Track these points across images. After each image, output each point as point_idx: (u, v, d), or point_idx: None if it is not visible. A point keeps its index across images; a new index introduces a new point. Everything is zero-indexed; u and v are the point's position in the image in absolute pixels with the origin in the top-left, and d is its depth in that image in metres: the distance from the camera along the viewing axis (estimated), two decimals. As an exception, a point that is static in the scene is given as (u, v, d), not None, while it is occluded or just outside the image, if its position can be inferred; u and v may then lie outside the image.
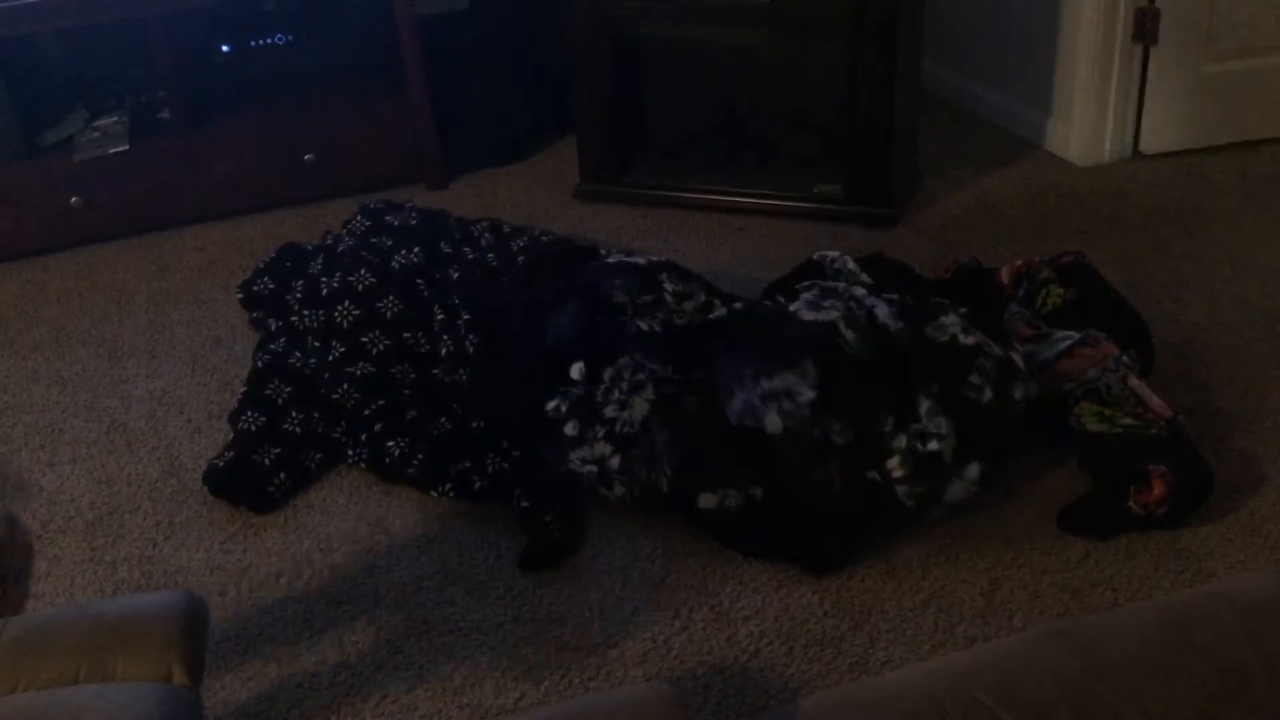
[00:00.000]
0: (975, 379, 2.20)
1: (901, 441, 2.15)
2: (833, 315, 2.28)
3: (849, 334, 2.26)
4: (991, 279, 2.69)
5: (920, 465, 2.14)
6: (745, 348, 2.28)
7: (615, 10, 3.31)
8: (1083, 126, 3.50)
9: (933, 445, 2.13)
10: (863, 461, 2.17)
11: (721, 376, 2.28)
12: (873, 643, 1.98)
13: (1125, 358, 2.37)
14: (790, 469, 2.20)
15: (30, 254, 3.47)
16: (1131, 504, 2.11)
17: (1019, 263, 2.65)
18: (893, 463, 2.15)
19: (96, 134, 3.50)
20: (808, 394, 2.19)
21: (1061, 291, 2.52)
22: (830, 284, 2.42)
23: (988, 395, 2.20)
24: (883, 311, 2.29)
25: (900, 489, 2.14)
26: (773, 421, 2.20)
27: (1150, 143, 3.52)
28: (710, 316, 2.43)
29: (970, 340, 2.25)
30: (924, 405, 2.17)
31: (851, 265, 2.71)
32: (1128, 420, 2.24)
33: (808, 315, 2.29)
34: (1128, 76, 3.43)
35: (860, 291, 2.39)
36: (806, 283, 2.52)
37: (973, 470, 2.17)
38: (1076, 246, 3.02)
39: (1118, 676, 1.06)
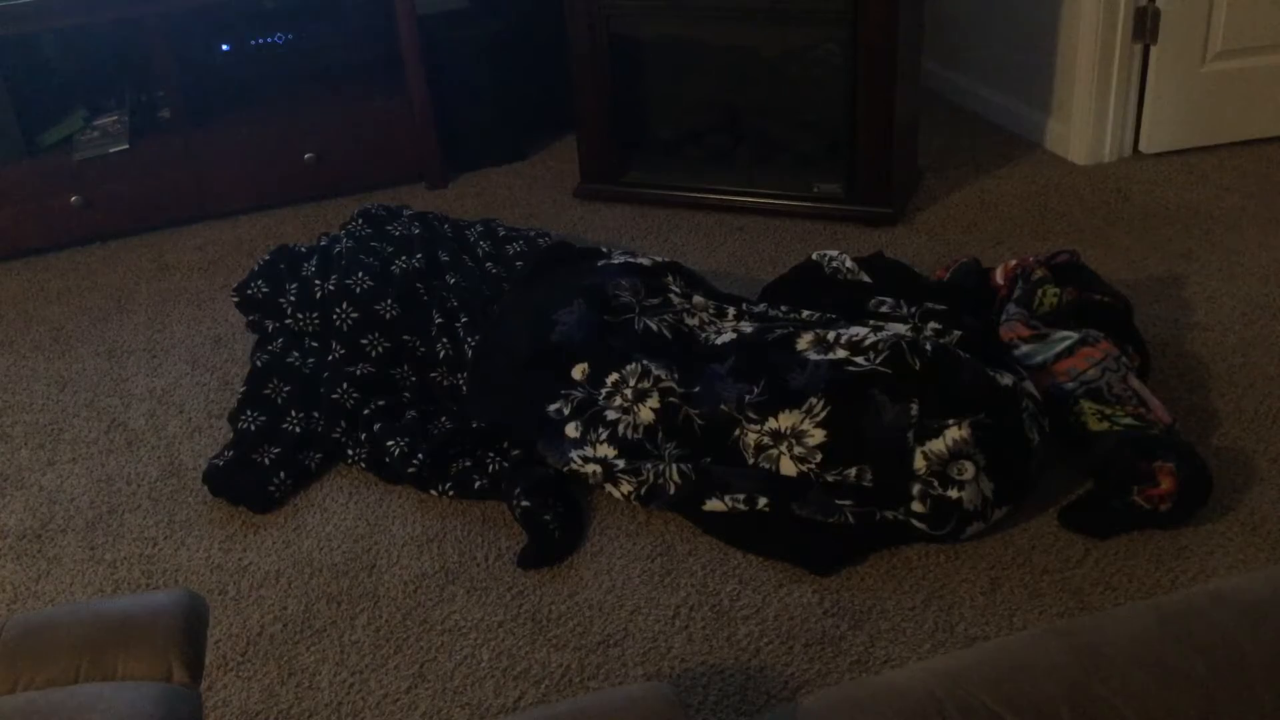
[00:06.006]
0: (1025, 422, 2.19)
1: (925, 487, 2.13)
2: (842, 354, 2.26)
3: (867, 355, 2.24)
4: (986, 279, 2.69)
5: (942, 510, 2.13)
6: (751, 380, 2.28)
7: (615, 10, 3.31)
8: (1083, 126, 3.50)
9: (952, 492, 2.12)
10: (881, 502, 2.16)
11: (725, 403, 2.28)
12: (873, 642, 1.98)
13: (1125, 357, 2.37)
14: (804, 506, 2.20)
15: (30, 253, 3.48)
16: (1137, 498, 2.11)
17: (1013, 262, 2.65)
18: (915, 506, 2.14)
19: (96, 133, 3.50)
20: (818, 435, 2.18)
21: (1058, 291, 2.52)
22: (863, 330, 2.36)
23: (1035, 438, 2.20)
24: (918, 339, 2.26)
25: (920, 527, 2.14)
26: (787, 466, 2.20)
27: (1150, 142, 3.52)
28: (718, 341, 2.41)
29: (1008, 380, 2.22)
30: (949, 439, 2.13)
31: (850, 264, 2.71)
32: (1128, 420, 2.24)
33: (815, 355, 2.27)
34: (1128, 76, 3.43)
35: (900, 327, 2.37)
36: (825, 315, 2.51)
37: (1001, 512, 2.17)
38: (1076, 246, 3.03)
39: (1118, 676, 1.06)
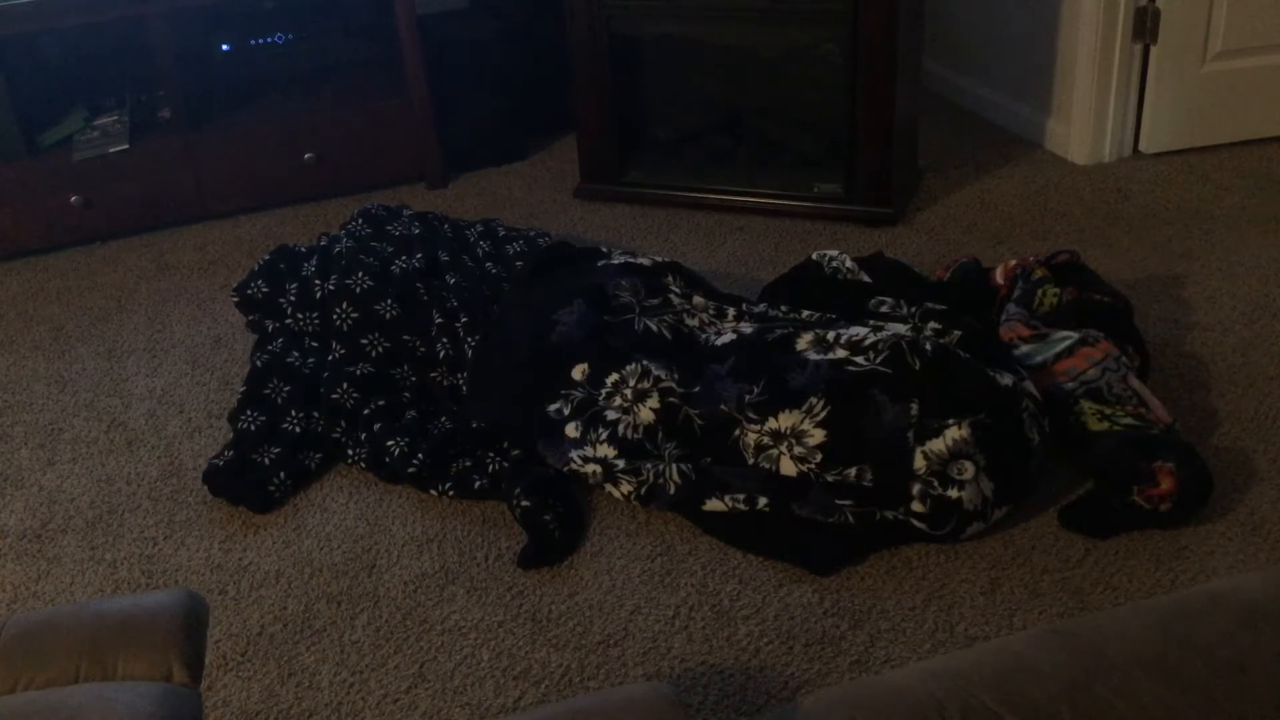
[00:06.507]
0: (1026, 422, 2.19)
1: (925, 487, 2.13)
2: (841, 354, 2.26)
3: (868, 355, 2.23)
4: (986, 279, 2.69)
5: (942, 510, 2.13)
6: (751, 380, 2.27)
7: (615, 10, 3.31)
8: (1083, 126, 3.50)
9: (952, 492, 2.12)
10: (881, 502, 2.16)
11: (725, 403, 2.27)
12: (873, 642, 1.98)
13: (1125, 357, 2.37)
14: (804, 506, 2.20)
15: (30, 253, 3.48)
16: (1136, 498, 2.11)
17: (1013, 262, 2.65)
18: (915, 505, 2.13)
19: (96, 133, 3.50)
20: (818, 435, 2.18)
21: (1058, 291, 2.52)
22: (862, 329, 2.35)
23: (1035, 438, 2.20)
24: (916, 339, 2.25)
25: (920, 526, 2.14)
26: (787, 466, 2.20)
27: (1150, 142, 3.52)
28: (718, 342, 2.41)
29: (1008, 380, 2.22)
30: (950, 438, 2.13)
31: (850, 264, 2.71)
32: (1128, 420, 2.24)
33: (815, 355, 2.27)
34: (1128, 76, 3.43)
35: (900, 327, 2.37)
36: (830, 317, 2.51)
37: (1001, 512, 2.17)
38: (1076, 246, 3.03)
39: (1118, 676, 1.06)
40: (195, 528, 2.36)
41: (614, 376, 2.39)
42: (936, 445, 2.12)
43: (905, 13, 3.10)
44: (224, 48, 3.78)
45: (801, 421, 2.19)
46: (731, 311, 2.60)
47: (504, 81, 3.74)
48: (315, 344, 2.75)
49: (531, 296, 2.65)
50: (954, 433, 2.12)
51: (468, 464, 2.39)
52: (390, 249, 2.90)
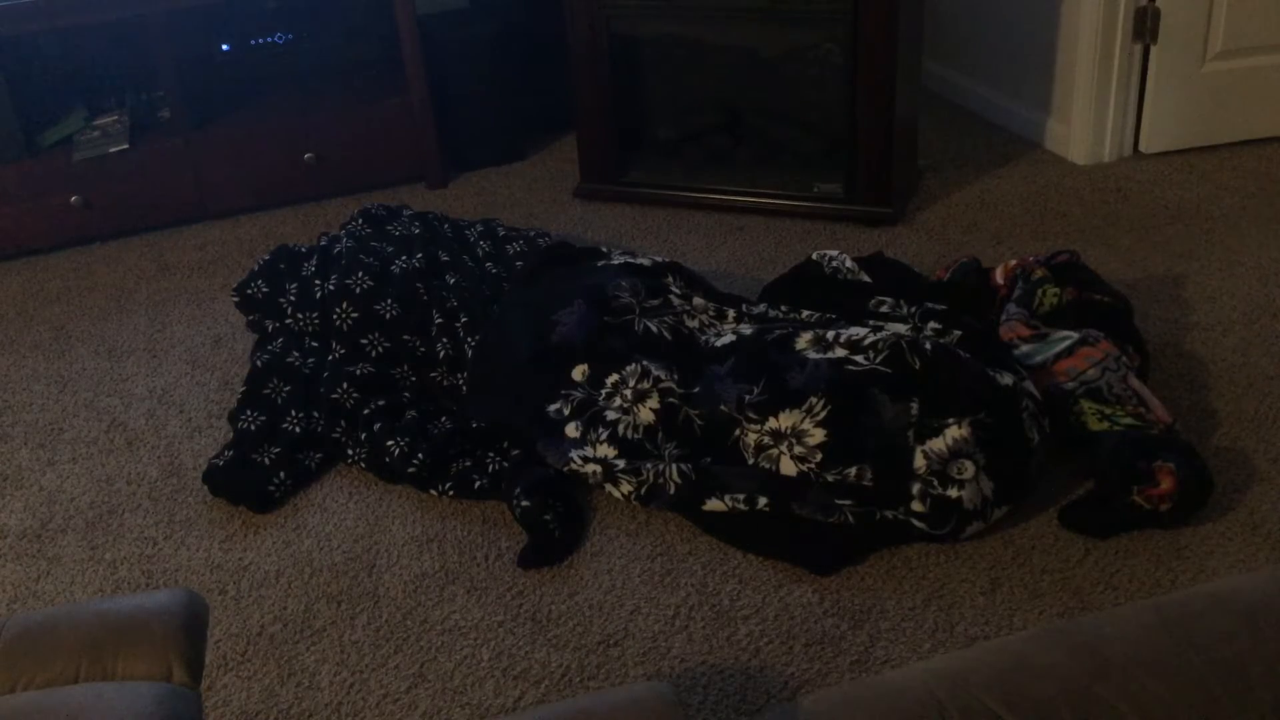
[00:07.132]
0: (1026, 422, 2.19)
1: (924, 486, 2.12)
2: (841, 353, 2.26)
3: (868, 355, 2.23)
4: (986, 279, 2.69)
5: (942, 509, 2.13)
6: (750, 380, 2.27)
7: (615, 10, 3.31)
8: (1083, 126, 3.50)
9: (952, 492, 2.12)
10: (881, 502, 2.16)
11: (725, 403, 2.27)
12: (873, 641, 1.98)
13: (1125, 357, 2.37)
14: (804, 506, 2.20)
15: (30, 253, 3.48)
16: (1136, 498, 2.11)
17: (1013, 262, 2.65)
18: (915, 505, 2.13)
19: (96, 133, 3.50)
20: (818, 435, 2.18)
21: (1058, 291, 2.52)
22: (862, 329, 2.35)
23: (1035, 438, 2.20)
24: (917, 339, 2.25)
25: (920, 526, 2.14)
26: (787, 465, 2.20)
27: (1150, 142, 3.52)
28: (718, 343, 2.41)
29: (1008, 380, 2.22)
30: (950, 438, 2.13)
31: (850, 264, 2.72)
32: (1128, 420, 2.24)
33: (814, 354, 2.27)
34: (1128, 76, 3.43)
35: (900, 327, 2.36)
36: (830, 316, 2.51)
37: (1001, 512, 2.17)
38: (1076, 246, 3.03)
39: (1118, 676, 1.06)
40: (195, 528, 2.36)
41: (614, 377, 2.39)
42: (936, 445, 2.12)
43: (905, 13, 3.10)
44: (224, 48, 3.79)
45: (801, 421, 2.19)
46: (731, 313, 2.60)
47: (504, 81, 3.74)
48: (315, 344, 2.75)
49: (531, 296, 2.65)
50: (954, 432, 2.12)
51: (468, 464, 2.39)
52: (390, 249, 2.90)
